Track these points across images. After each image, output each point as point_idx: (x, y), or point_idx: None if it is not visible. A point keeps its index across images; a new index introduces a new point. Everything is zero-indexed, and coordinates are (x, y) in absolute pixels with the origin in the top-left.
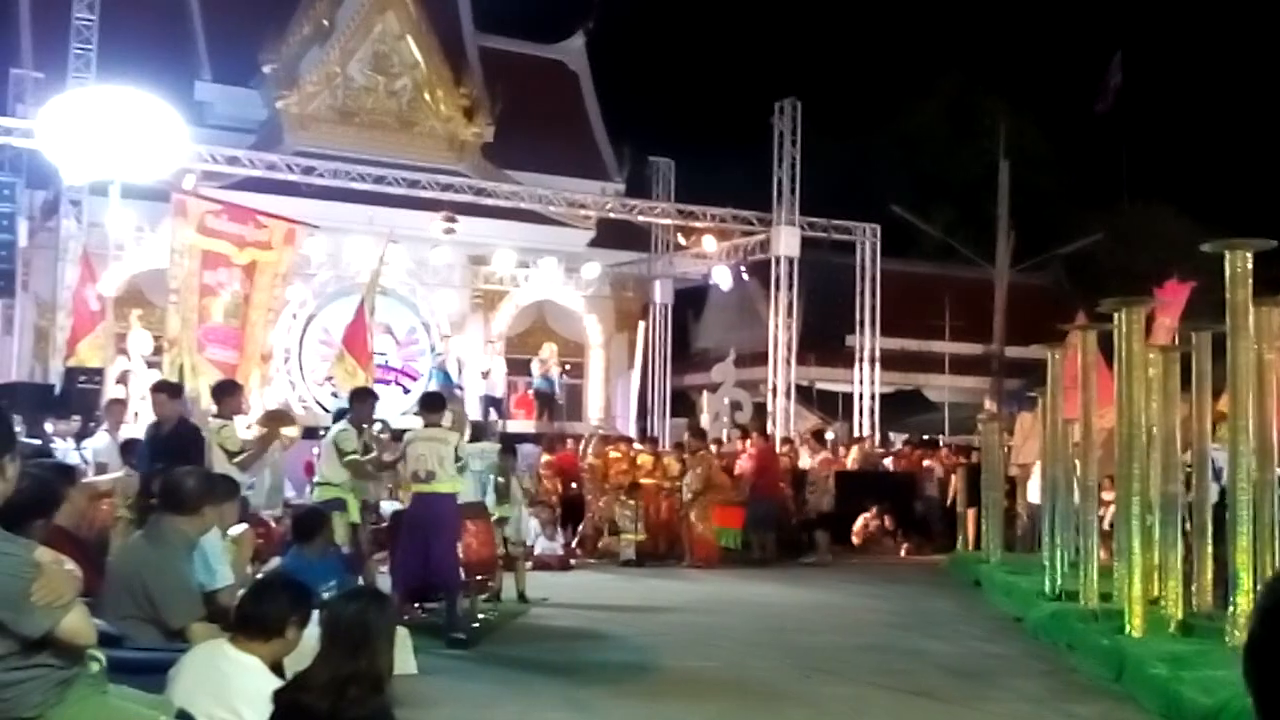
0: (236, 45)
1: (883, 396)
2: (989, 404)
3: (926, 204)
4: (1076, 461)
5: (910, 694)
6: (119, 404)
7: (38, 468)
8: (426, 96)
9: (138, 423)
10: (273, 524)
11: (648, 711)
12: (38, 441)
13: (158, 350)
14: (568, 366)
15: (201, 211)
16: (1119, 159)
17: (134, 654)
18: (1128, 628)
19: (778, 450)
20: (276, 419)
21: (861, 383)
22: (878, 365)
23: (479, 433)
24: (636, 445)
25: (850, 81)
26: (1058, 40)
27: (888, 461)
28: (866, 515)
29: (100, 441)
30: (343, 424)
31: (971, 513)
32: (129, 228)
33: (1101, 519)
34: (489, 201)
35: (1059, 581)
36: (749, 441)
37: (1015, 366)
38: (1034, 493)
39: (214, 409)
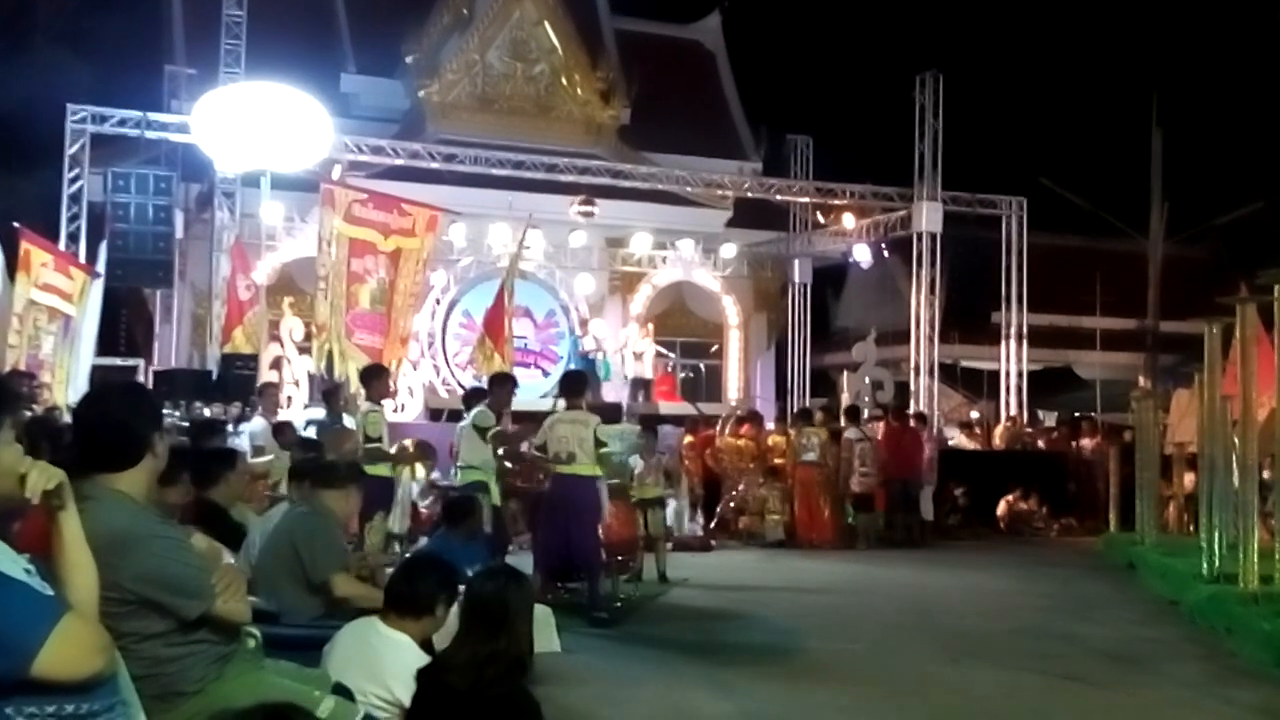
0: (380, 37)
1: (1031, 374)
2: (1143, 381)
3: (1076, 175)
4: (1235, 439)
5: (1062, 679)
6: (272, 388)
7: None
8: (564, 81)
9: (290, 407)
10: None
11: (791, 693)
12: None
13: (308, 336)
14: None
15: (348, 201)
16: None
17: (289, 630)
18: None
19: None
20: (422, 451)
21: (1008, 360)
22: (1025, 342)
23: (617, 415)
24: (769, 426)
25: (994, 52)
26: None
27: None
28: (1010, 497)
29: (256, 425)
30: (481, 407)
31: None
32: (280, 218)
33: (1265, 499)
34: (626, 184)
35: (1217, 563)
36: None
37: (1171, 342)
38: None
39: (363, 394)
